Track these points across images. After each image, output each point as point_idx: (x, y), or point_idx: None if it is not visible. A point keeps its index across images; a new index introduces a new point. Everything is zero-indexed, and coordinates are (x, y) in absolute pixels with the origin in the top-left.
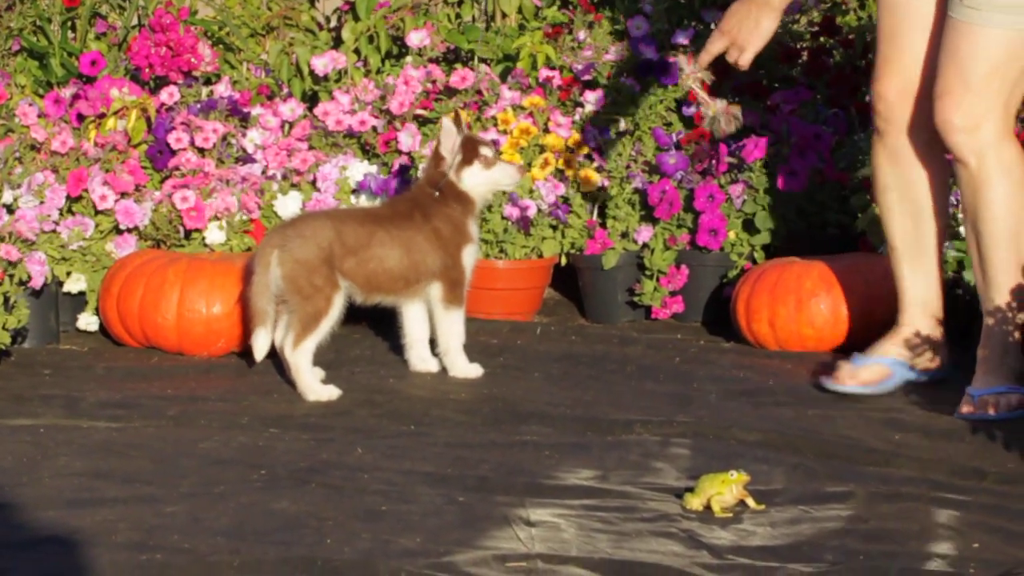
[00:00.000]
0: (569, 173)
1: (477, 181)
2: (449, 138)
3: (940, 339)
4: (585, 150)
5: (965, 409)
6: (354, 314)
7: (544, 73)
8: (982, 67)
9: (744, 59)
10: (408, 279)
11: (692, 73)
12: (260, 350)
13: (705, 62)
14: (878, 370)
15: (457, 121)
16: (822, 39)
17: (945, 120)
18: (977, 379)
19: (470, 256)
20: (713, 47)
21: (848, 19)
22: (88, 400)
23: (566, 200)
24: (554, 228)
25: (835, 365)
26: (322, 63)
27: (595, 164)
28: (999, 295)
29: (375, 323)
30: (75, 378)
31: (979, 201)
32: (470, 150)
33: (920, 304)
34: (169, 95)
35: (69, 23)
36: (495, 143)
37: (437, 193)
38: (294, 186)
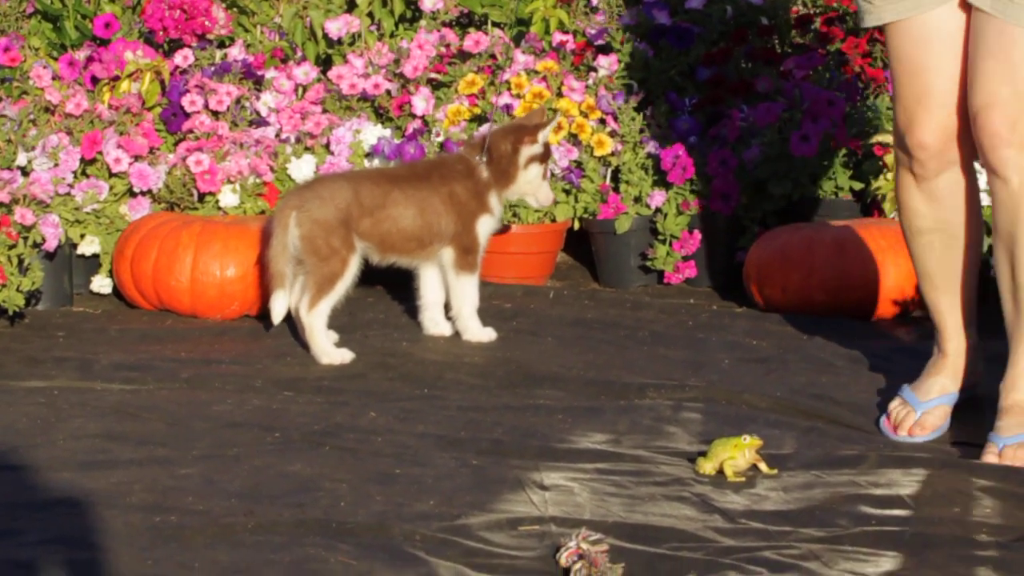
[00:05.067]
0: (583, 138)
1: (528, 177)
2: (540, 124)
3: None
4: (598, 115)
5: (990, 459)
6: (368, 277)
7: (557, 37)
8: None
9: None
10: (422, 240)
11: None
12: (278, 313)
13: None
14: (943, 411)
15: (556, 121)
16: (835, 4)
17: (994, 134)
18: (1005, 426)
19: (485, 226)
20: None
21: None
22: (102, 362)
23: (579, 164)
24: (567, 192)
25: (890, 411)
26: (336, 26)
27: (608, 129)
28: None
29: (389, 286)
30: (89, 340)
31: (1019, 222)
32: (547, 153)
33: (958, 329)
34: (183, 58)
35: None
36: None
37: (482, 157)
38: (308, 149)
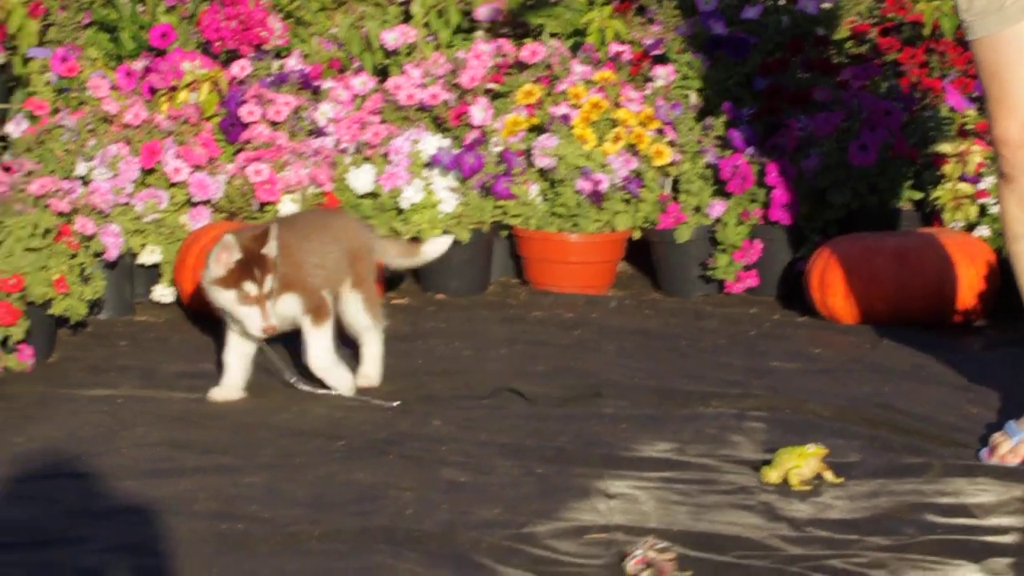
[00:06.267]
0: (641, 148)
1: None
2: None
3: None
4: (657, 124)
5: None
6: (431, 286)
7: (614, 48)
8: None
9: None
10: None
11: None
12: None
13: None
14: None
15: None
16: (891, 15)
17: None
18: None
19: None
20: None
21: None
22: (164, 371)
23: (638, 175)
24: (627, 202)
25: (991, 441)
26: (392, 37)
27: (667, 139)
28: None
29: (451, 296)
30: (151, 349)
31: None
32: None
33: None
34: (240, 68)
35: None
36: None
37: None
38: (366, 159)
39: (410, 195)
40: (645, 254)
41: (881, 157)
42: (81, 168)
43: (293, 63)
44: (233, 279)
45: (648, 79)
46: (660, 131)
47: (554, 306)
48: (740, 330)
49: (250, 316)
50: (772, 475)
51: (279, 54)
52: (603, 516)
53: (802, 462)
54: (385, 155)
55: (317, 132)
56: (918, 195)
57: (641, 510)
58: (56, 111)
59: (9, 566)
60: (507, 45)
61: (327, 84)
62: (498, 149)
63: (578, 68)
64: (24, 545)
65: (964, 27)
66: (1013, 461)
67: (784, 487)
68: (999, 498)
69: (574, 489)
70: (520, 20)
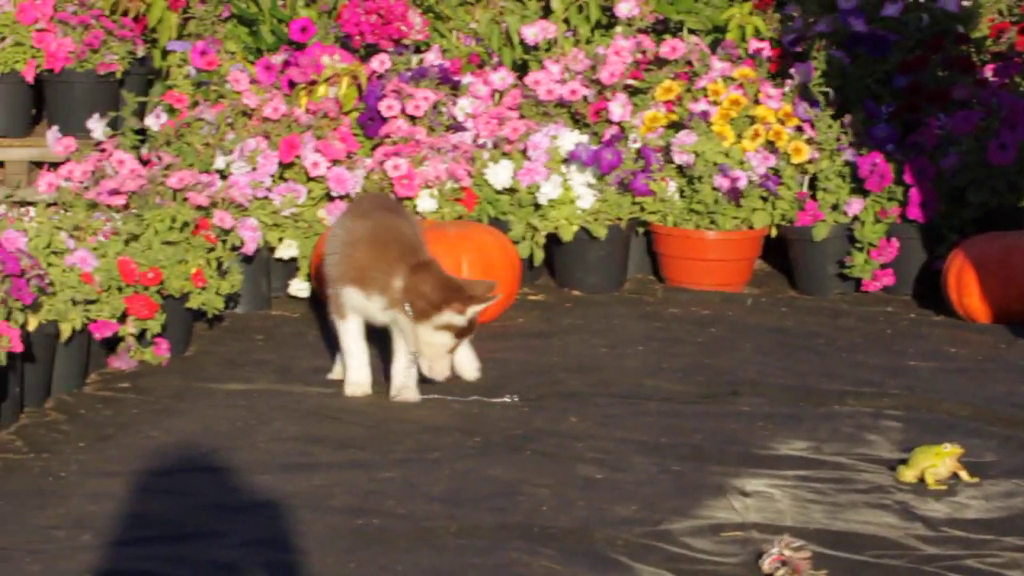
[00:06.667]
0: (779, 145)
1: (430, 338)
2: (475, 297)
3: None
4: (795, 122)
5: None
6: (566, 282)
7: (753, 44)
8: None
9: None
10: None
11: None
12: None
13: None
14: None
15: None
16: None
17: None
18: None
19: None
20: None
21: None
22: (300, 366)
23: (776, 172)
24: (765, 199)
25: None
26: (532, 32)
27: (805, 136)
28: None
29: (587, 292)
30: (287, 344)
31: None
32: (464, 329)
33: None
34: (380, 63)
35: None
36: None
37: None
38: (505, 155)
39: (548, 191)
40: (782, 252)
41: (1020, 156)
42: (220, 162)
43: (433, 58)
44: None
45: (787, 76)
46: (799, 128)
47: (690, 303)
48: (876, 329)
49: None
50: (908, 474)
51: (419, 49)
52: (739, 514)
53: (938, 461)
54: (523, 150)
55: (456, 127)
56: None
57: (777, 508)
58: (195, 104)
59: (146, 559)
60: (647, 41)
61: (466, 79)
62: (636, 145)
63: (718, 64)
64: (161, 539)
65: None
66: None
67: (920, 486)
68: None
69: (710, 487)
70: (661, 17)
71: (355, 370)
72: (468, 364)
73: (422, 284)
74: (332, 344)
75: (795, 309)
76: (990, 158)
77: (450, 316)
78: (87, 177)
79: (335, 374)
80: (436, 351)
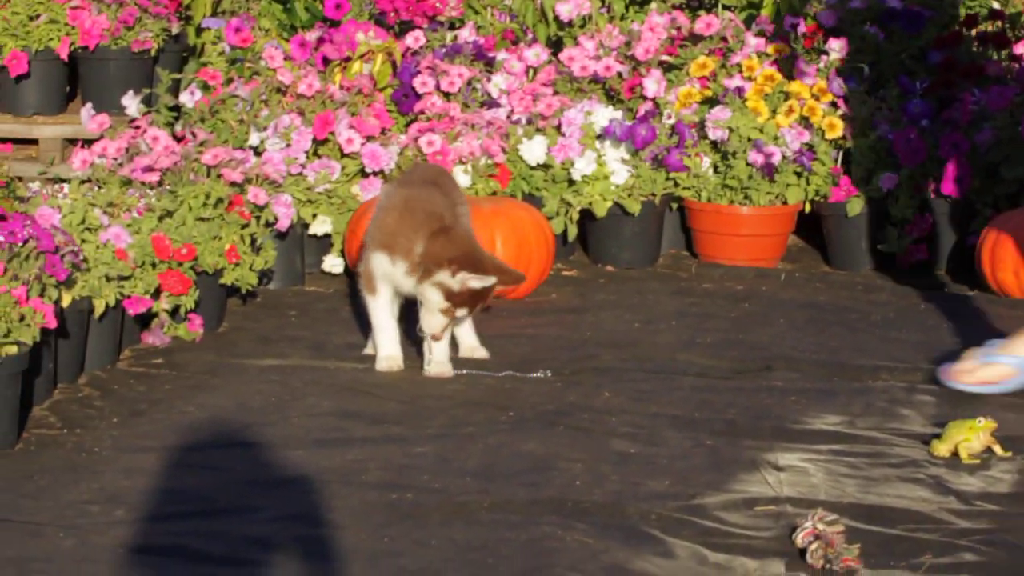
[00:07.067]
0: (814, 120)
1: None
2: (481, 272)
3: None
4: (830, 97)
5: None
6: (599, 258)
7: (788, 20)
8: None
9: None
10: None
11: None
12: None
13: None
14: (1001, 370)
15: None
16: None
17: None
18: None
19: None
20: None
21: None
22: (334, 341)
23: (811, 147)
24: (798, 175)
25: (960, 357)
26: (566, 9)
27: (840, 112)
28: None
29: (620, 269)
30: (321, 320)
31: None
32: (459, 298)
33: None
34: (414, 39)
35: None
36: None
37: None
38: (539, 131)
39: (582, 167)
40: (816, 227)
41: None
42: (254, 138)
43: (467, 35)
44: None
45: (822, 52)
46: (833, 104)
47: (724, 279)
48: (910, 304)
49: None
50: (941, 448)
51: (453, 25)
52: (772, 488)
53: (972, 435)
54: (558, 127)
55: (490, 103)
56: None
57: (810, 482)
58: (229, 81)
59: (181, 535)
60: (681, 17)
61: (501, 55)
62: (671, 121)
63: (752, 40)
64: (195, 514)
65: None
66: (965, 380)
67: (954, 460)
68: None
69: (743, 461)
70: None
71: (386, 345)
72: (466, 340)
73: (435, 245)
74: (365, 320)
75: (828, 284)
76: None
77: (442, 275)
78: (121, 154)
79: (369, 349)
80: (428, 306)
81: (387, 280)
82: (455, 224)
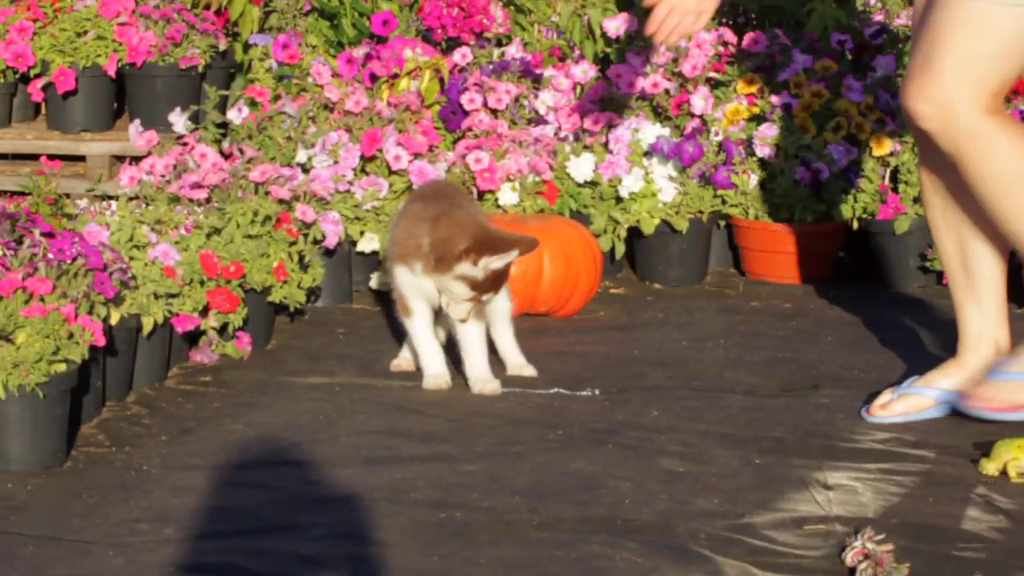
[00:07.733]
0: (861, 137)
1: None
2: (499, 249)
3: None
4: (877, 114)
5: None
6: (647, 275)
7: (835, 37)
8: None
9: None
10: None
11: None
12: None
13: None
14: (917, 401)
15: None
16: None
17: None
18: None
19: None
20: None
21: None
22: (382, 359)
23: (858, 164)
24: (846, 192)
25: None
26: (614, 25)
27: (888, 128)
28: None
29: (668, 285)
30: (368, 338)
31: None
32: (483, 283)
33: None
34: (462, 56)
35: None
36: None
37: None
38: (587, 147)
39: (629, 184)
40: (863, 245)
41: None
42: (301, 155)
43: (514, 51)
44: None
45: (870, 68)
46: (881, 121)
47: (772, 296)
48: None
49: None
50: (990, 467)
51: (500, 42)
52: (822, 507)
53: (1020, 454)
54: (605, 144)
55: (537, 120)
56: None
57: (859, 501)
58: (277, 98)
59: (230, 553)
60: (728, 34)
61: (548, 72)
62: (718, 138)
63: (799, 57)
64: (244, 532)
65: None
66: (880, 415)
67: (1003, 479)
68: None
69: (792, 480)
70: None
71: (432, 364)
72: (513, 358)
73: (439, 229)
74: (403, 335)
75: (877, 302)
76: None
77: (464, 267)
78: (169, 171)
79: (399, 364)
80: (455, 299)
81: (418, 294)
82: (452, 209)
